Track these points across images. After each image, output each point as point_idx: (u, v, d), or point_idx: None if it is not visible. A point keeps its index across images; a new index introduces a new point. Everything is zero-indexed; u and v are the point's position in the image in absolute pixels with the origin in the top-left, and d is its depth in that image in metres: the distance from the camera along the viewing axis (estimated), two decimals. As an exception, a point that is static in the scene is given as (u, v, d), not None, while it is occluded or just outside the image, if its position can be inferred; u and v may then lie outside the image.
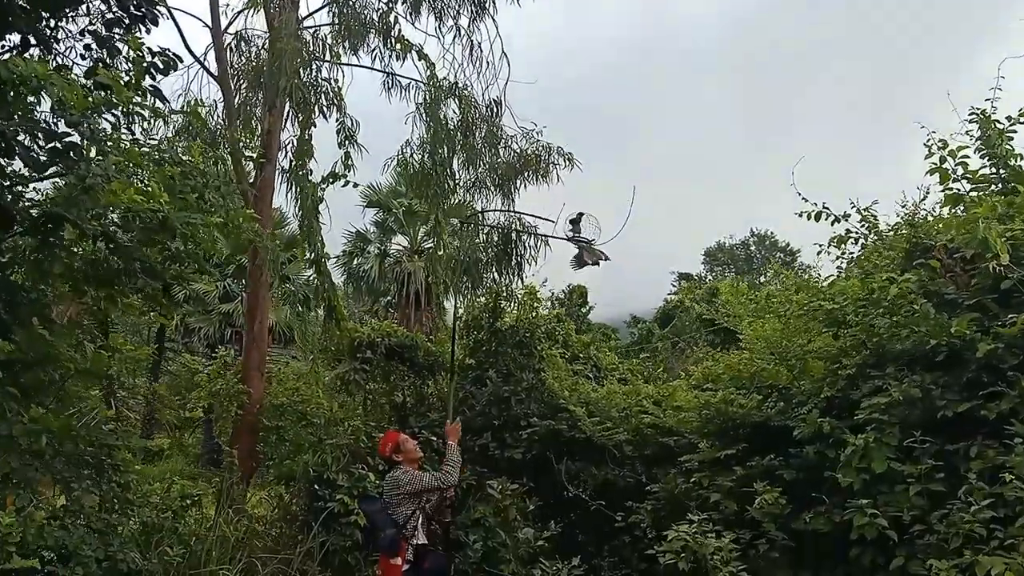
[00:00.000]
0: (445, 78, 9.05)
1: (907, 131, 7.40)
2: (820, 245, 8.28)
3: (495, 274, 9.34)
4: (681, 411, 8.14)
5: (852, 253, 8.26)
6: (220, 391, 8.89)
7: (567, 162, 8.97)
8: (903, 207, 7.79)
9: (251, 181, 9.16)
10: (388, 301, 27.51)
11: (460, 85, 8.91)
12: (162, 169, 5.64)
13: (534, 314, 10.37)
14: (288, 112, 9.26)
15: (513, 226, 9.24)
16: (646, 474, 8.52)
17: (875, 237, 7.80)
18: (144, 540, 6.83)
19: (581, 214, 8.71)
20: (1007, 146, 7.77)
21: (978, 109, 7.82)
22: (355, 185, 10.02)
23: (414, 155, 9.86)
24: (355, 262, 28.65)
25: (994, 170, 7.81)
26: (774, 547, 6.52)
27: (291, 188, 9.37)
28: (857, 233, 8.15)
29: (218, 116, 9.93)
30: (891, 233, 7.73)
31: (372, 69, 9.58)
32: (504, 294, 10.25)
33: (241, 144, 8.71)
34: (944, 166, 7.22)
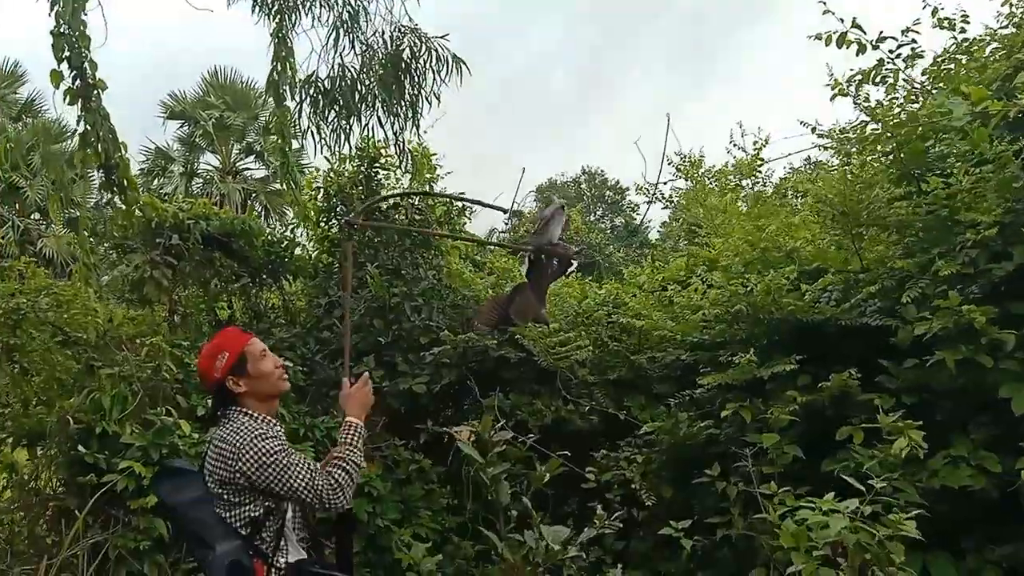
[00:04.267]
0: None
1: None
2: (837, 83, 5.72)
3: (378, 115, 6.07)
4: (687, 311, 5.39)
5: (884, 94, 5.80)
6: None
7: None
8: (1000, 13, 5.36)
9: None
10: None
11: None
12: None
13: (429, 186, 7.22)
14: None
15: (406, 39, 5.97)
16: (615, 407, 5.76)
17: (952, 51, 5.34)
18: None
19: (559, 205, 5.53)
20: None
21: None
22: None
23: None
24: (155, 183, 24.30)
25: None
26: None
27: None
28: (889, 67, 5.65)
29: None
30: (978, 50, 5.30)
31: None
32: (386, 152, 7.00)
33: None
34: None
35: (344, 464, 2.78)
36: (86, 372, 5.33)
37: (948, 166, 4.85)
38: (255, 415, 2.79)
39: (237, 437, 2.67)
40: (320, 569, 2.86)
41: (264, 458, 2.63)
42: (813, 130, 5.18)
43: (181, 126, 24.71)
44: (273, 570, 2.73)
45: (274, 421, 2.86)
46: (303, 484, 2.65)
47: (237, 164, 25.21)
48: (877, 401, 4.29)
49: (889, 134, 4.73)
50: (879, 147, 4.70)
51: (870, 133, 4.88)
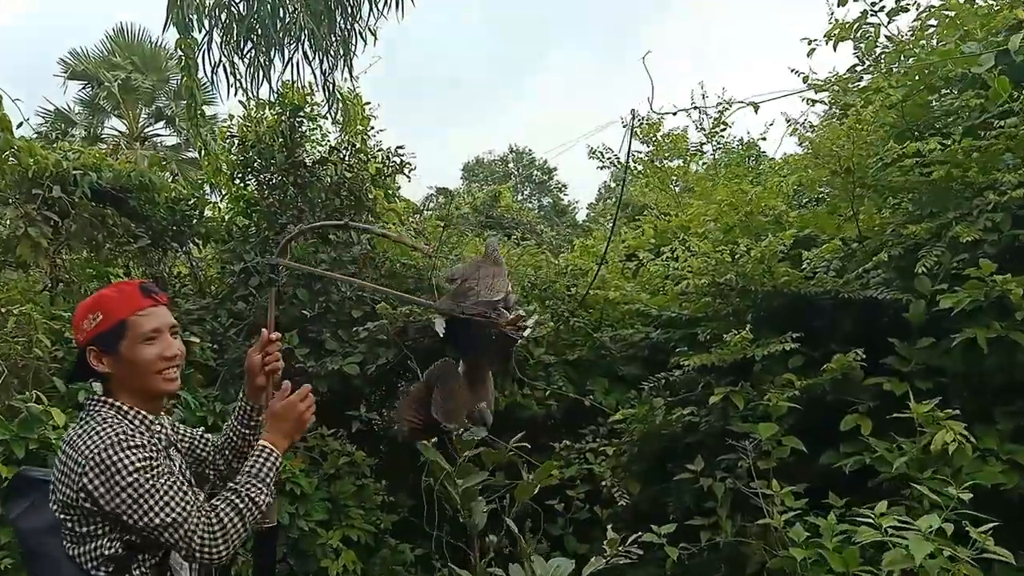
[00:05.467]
0: None
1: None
2: (811, 40, 5.14)
3: (304, 49, 5.18)
4: (668, 282, 4.73)
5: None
6: None
7: None
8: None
9: None
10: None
11: None
12: None
13: (361, 139, 6.37)
14: None
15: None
16: (575, 390, 5.10)
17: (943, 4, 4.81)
18: None
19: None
20: None
21: None
22: None
23: None
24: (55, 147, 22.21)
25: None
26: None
27: None
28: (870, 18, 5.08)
29: None
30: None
31: None
32: (312, 100, 6.11)
33: None
34: None
35: (239, 500, 1.90)
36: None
37: (950, 123, 4.35)
38: (125, 409, 1.96)
39: (87, 442, 1.84)
40: None
41: (117, 476, 1.80)
42: (805, 79, 4.58)
43: (84, 87, 22.82)
44: None
45: (152, 420, 2.03)
46: (168, 520, 1.81)
47: (145, 130, 23.52)
48: (887, 386, 3.74)
49: (895, 84, 4.16)
50: (885, 99, 4.10)
51: (872, 82, 4.30)
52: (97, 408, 1.96)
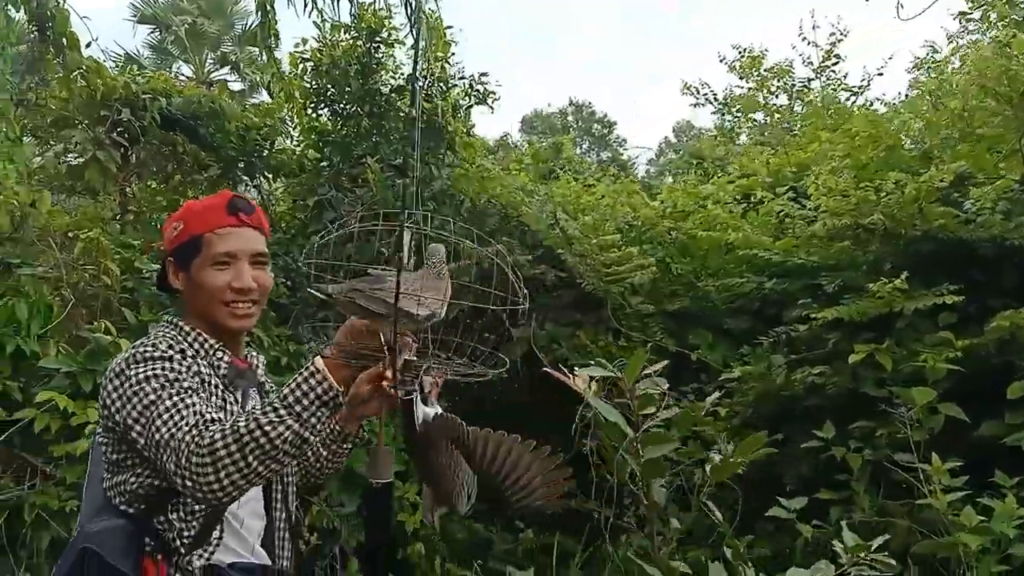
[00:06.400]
0: None
1: None
2: None
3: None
4: (798, 223, 4.17)
5: None
6: None
7: None
8: None
9: None
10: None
11: None
12: None
13: (442, 67, 5.89)
14: None
15: None
16: (675, 344, 4.62)
17: None
18: None
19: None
20: None
21: None
22: None
23: None
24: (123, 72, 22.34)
25: None
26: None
27: None
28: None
29: None
30: None
31: None
32: (390, 24, 5.66)
33: None
34: None
35: (244, 423, 1.38)
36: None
37: None
38: (187, 330, 1.68)
39: (117, 358, 1.60)
40: None
41: (126, 384, 1.51)
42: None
43: (152, 31, 22.90)
44: (179, 573, 1.56)
45: (216, 347, 1.68)
46: (167, 438, 1.42)
47: (211, 75, 23.54)
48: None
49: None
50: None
51: None
52: (155, 329, 1.69)
